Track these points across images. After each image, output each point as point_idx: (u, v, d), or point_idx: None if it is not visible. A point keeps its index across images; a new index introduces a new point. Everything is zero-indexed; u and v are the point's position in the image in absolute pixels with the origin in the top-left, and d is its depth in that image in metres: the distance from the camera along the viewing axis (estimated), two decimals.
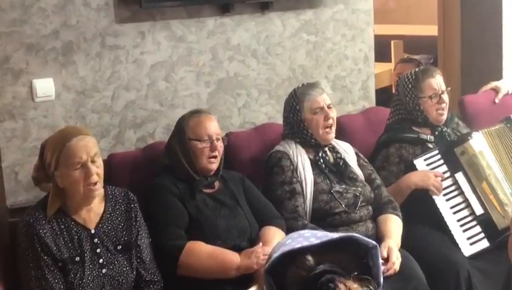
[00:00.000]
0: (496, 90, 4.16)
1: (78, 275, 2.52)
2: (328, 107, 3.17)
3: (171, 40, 3.34)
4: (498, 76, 4.38)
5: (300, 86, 3.25)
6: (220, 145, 2.94)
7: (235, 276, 2.72)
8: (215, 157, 2.92)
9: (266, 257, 2.55)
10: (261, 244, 2.79)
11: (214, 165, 2.93)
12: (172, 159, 2.92)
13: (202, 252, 2.73)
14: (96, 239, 2.59)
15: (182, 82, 3.40)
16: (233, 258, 2.74)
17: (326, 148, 3.21)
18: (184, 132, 2.93)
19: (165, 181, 2.88)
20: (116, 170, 3.06)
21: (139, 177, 3.04)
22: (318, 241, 1.29)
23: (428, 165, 3.33)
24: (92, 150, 2.55)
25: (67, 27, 3.09)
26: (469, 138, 3.40)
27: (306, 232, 1.34)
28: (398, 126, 3.48)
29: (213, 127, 2.95)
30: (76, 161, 2.51)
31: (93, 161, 2.54)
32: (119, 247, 2.63)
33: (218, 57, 3.48)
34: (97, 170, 2.55)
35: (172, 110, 3.36)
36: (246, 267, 2.72)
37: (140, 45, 3.27)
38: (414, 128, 3.45)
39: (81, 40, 3.12)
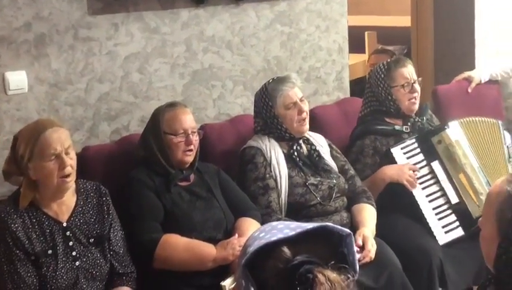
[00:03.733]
0: (468, 80, 4.20)
1: (51, 268, 2.52)
2: (301, 100, 3.17)
3: (145, 32, 3.32)
4: (471, 66, 4.42)
5: (271, 80, 3.23)
6: (195, 139, 2.93)
7: (211, 268, 2.72)
8: (190, 150, 2.91)
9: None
10: (236, 235, 2.79)
11: (190, 158, 2.93)
12: (147, 152, 2.91)
13: (178, 245, 2.73)
14: (68, 232, 2.59)
15: (156, 74, 3.38)
16: (209, 250, 2.74)
17: (301, 141, 3.21)
18: (159, 125, 2.91)
19: (140, 175, 2.86)
20: (91, 163, 3.04)
21: (114, 170, 3.02)
22: (293, 232, 1.30)
23: (405, 153, 3.36)
24: (66, 142, 2.55)
25: (39, 19, 3.05)
26: (446, 127, 3.44)
27: (279, 224, 1.34)
28: (370, 118, 3.50)
29: (188, 120, 2.94)
30: (51, 152, 2.50)
31: (67, 153, 2.54)
32: (92, 240, 2.63)
33: (192, 48, 3.46)
34: (71, 162, 2.55)
35: (146, 102, 3.35)
36: (222, 259, 2.72)
37: (114, 36, 3.24)
38: (387, 119, 3.47)
39: (54, 32, 3.09)
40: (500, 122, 3.59)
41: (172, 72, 3.42)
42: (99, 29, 3.20)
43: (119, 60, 3.27)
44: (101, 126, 3.26)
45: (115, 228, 2.70)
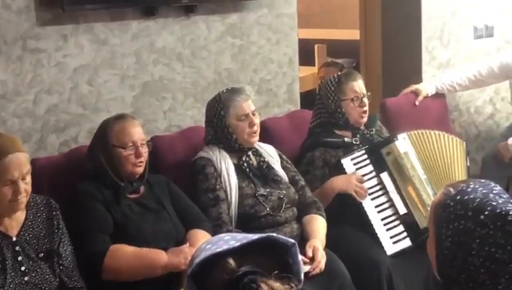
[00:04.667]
0: (416, 93, 4.28)
1: (0, 282, 2.47)
2: (253, 114, 3.19)
3: (94, 43, 3.30)
4: (418, 79, 4.50)
5: (225, 90, 3.24)
6: (144, 151, 2.92)
7: (161, 274, 2.71)
8: (140, 162, 2.90)
9: None
10: (188, 244, 2.79)
11: (140, 170, 2.91)
12: (96, 165, 2.88)
13: (127, 253, 2.71)
14: (17, 247, 2.55)
15: (106, 85, 3.36)
16: (159, 256, 2.72)
17: (250, 153, 3.23)
18: (107, 138, 2.88)
19: (88, 187, 2.83)
20: (39, 175, 2.98)
21: (62, 182, 2.99)
22: (238, 243, 1.31)
23: (355, 164, 3.40)
24: (24, 168, 2.52)
25: None
26: (395, 139, 3.49)
27: (226, 236, 1.36)
28: (320, 130, 3.54)
29: (137, 133, 2.92)
30: (8, 178, 2.47)
31: (23, 178, 2.51)
32: (41, 255, 2.59)
33: (142, 60, 3.46)
34: (26, 187, 2.52)
35: (96, 114, 3.32)
36: (173, 266, 2.71)
37: (63, 48, 3.22)
38: (336, 131, 3.52)
39: (2, 43, 3.05)
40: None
41: (122, 83, 3.41)
42: (48, 41, 3.17)
43: (68, 71, 3.24)
44: (49, 138, 3.22)
45: (65, 243, 2.66)
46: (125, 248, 2.72)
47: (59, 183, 3.00)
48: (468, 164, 3.64)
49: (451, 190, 1.65)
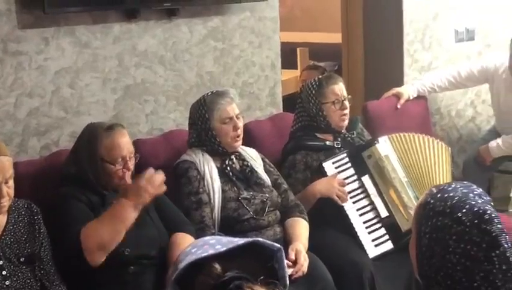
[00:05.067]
0: (397, 96, 4.30)
1: None
2: (237, 117, 3.19)
3: (76, 46, 3.29)
4: (400, 82, 4.52)
5: (210, 93, 3.23)
6: (132, 164, 2.89)
7: (135, 217, 2.69)
8: (127, 175, 2.88)
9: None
10: (150, 171, 2.76)
11: (125, 181, 2.88)
12: (80, 171, 2.84)
13: (96, 224, 2.66)
14: None
15: (88, 89, 3.35)
16: (122, 205, 2.69)
17: (233, 156, 3.23)
18: (95, 150, 2.81)
19: (72, 190, 2.80)
20: (20, 179, 2.96)
21: (44, 186, 2.97)
22: (224, 248, 1.30)
23: (336, 168, 3.41)
24: (8, 172, 2.51)
25: None
26: (376, 142, 3.50)
27: (211, 239, 1.35)
28: (301, 133, 3.54)
29: (126, 145, 2.86)
30: None
31: (6, 182, 2.50)
32: (22, 259, 2.57)
33: (124, 63, 3.45)
34: (8, 191, 2.51)
35: (77, 118, 3.31)
36: (140, 201, 2.70)
37: (44, 51, 3.20)
38: (317, 135, 3.53)
39: None
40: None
41: (104, 87, 3.39)
42: (29, 44, 3.15)
43: (50, 74, 3.22)
44: (30, 141, 3.20)
45: (46, 247, 2.65)
46: (92, 222, 2.68)
47: (40, 186, 2.98)
48: (452, 168, 3.65)
49: (434, 189, 1.68)
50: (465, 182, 1.69)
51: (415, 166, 3.51)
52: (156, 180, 2.75)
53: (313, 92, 3.52)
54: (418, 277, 1.67)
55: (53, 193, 2.84)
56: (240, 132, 3.19)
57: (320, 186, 3.35)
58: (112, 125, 2.91)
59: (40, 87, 3.21)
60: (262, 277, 1.28)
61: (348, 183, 3.39)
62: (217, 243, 1.32)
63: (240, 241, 1.32)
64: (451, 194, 1.63)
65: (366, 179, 3.42)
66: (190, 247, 1.36)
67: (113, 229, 2.66)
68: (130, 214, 2.68)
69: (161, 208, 2.99)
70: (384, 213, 3.37)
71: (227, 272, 1.27)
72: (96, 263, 2.64)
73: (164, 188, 2.80)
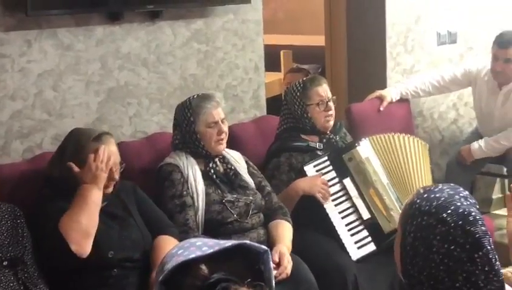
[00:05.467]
0: (380, 99, 4.32)
1: None
2: (222, 121, 3.19)
3: (59, 49, 3.27)
4: (382, 85, 4.54)
5: (196, 96, 3.23)
6: (117, 173, 2.88)
7: (101, 196, 2.74)
8: (112, 183, 2.87)
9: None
10: (102, 148, 2.80)
11: (110, 189, 2.87)
12: (64, 176, 2.82)
13: (69, 213, 2.67)
14: None
15: (71, 91, 3.33)
16: (86, 189, 2.72)
17: (217, 159, 3.23)
18: (82, 160, 2.79)
19: (54, 193, 2.79)
20: (3, 182, 2.96)
21: (27, 189, 2.95)
22: (211, 250, 1.31)
23: (318, 171, 3.41)
24: None
25: None
26: (356, 144, 3.51)
27: (197, 241, 1.35)
28: (287, 135, 3.55)
29: (114, 154, 2.86)
30: None
31: None
32: (5, 263, 2.57)
33: (107, 65, 3.44)
34: None
35: (60, 120, 3.29)
36: (100, 178, 2.75)
37: (27, 53, 3.18)
38: (303, 136, 3.54)
39: None
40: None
41: (87, 89, 3.38)
42: (12, 46, 3.13)
43: (32, 77, 3.21)
44: (13, 144, 3.18)
45: (29, 251, 2.64)
46: (65, 214, 2.68)
47: (23, 190, 2.96)
48: (431, 165, 3.67)
49: (421, 190, 1.70)
50: (451, 184, 1.71)
51: (396, 167, 3.53)
52: (102, 156, 2.78)
53: (298, 94, 3.53)
54: (401, 276, 1.68)
55: (36, 194, 2.83)
56: (224, 135, 3.19)
57: (303, 184, 3.36)
58: (99, 135, 2.89)
59: (23, 89, 3.19)
60: (249, 279, 1.28)
61: (330, 187, 3.40)
62: (203, 245, 1.32)
63: (226, 243, 1.32)
64: (437, 195, 1.65)
65: (347, 182, 3.43)
66: (176, 248, 1.35)
67: (88, 214, 2.69)
68: (97, 195, 2.74)
69: (144, 210, 2.99)
70: (366, 215, 3.38)
71: (214, 274, 1.27)
72: (84, 252, 2.64)
73: (112, 159, 2.83)
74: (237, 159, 3.31)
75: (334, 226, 3.33)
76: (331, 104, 3.54)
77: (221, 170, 3.23)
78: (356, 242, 3.32)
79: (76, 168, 2.78)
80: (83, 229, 2.65)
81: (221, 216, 3.09)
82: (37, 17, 3.17)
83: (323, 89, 3.54)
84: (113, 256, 2.75)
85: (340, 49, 4.91)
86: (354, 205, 3.39)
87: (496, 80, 4.28)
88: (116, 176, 2.87)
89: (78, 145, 2.84)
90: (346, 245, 3.29)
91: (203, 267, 1.29)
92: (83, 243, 2.64)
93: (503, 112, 4.30)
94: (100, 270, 2.74)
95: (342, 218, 3.36)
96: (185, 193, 3.08)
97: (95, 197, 2.72)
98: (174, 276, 1.30)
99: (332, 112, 3.55)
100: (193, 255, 1.30)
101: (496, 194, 5.16)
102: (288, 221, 3.23)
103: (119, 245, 2.79)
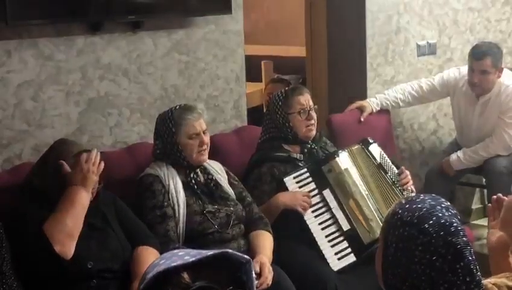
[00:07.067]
0: (361, 110, 4.33)
1: None
2: (204, 133, 3.19)
3: (39, 59, 3.26)
4: (363, 96, 4.56)
5: (178, 107, 3.22)
6: (95, 189, 2.86)
7: (89, 199, 2.74)
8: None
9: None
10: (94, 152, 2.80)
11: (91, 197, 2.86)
12: (43, 186, 2.80)
13: (57, 214, 2.67)
14: None
15: (51, 101, 3.32)
16: (73, 191, 2.72)
17: (198, 170, 3.22)
18: (64, 174, 2.78)
19: (33, 206, 2.77)
20: None
21: (5, 199, 2.93)
22: (192, 258, 1.30)
23: (297, 182, 3.42)
24: None
25: None
26: (335, 156, 3.52)
27: (179, 251, 1.35)
28: (268, 144, 3.56)
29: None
30: None
31: None
32: None
33: (88, 76, 3.42)
34: None
35: (40, 131, 3.28)
36: (89, 181, 2.75)
37: (6, 63, 3.17)
38: (284, 146, 3.54)
39: None
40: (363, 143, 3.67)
41: (67, 99, 3.37)
42: None
43: (12, 87, 3.19)
44: None
45: (8, 261, 2.61)
46: (52, 215, 2.68)
47: (2, 200, 2.94)
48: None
49: (403, 200, 1.71)
50: (433, 195, 1.72)
51: (372, 177, 3.54)
52: (94, 159, 2.78)
53: (280, 103, 3.54)
54: (383, 286, 1.69)
55: (15, 205, 2.80)
56: (206, 147, 3.19)
57: (284, 199, 3.36)
58: (82, 151, 2.86)
59: (2, 100, 3.17)
60: (231, 287, 1.28)
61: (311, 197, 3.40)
62: (185, 255, 1.32)
63: (208, 252, 1.32)
64: (419, 206, 1.65)
65: (327, 193, 3.43)
66: (159, 259, 1.35)
67: (74, 216, 2.68)
68: (85, 198, 2.73)
69: (124, 221, 2.97)
70: (346, 226, 3.38)
71: (196, 281, 1.27)
72: (68, 253, 2.64)
73: (103, 164, 2.83)
74: (218, 170, 3.31)
75: (314, 238, 3.33)
76: (313, 113, 3.55)
77: (202, 180, 3.22)
78: (336, 253, 3.32)
79: (67, 168, 2.77)
80: (67, 230, 2.65)
81: (202, 227, 3.08)
82: (17, 27, 3.16)
83: (305, 98, 3.55)
84: (92, 267, 2.73)
85: (320, 60, 4.93)
86: (333, 216, 3.39)
87: (473, 92, 4.31)
88: (94, 192, 2.85)
89: (60, 156, 2.83)
90: (326, 256, 3.29)
91: (185, 275, 1.29)
92: (67, 244, 2.64)
93: (481, 123, 4.33)
94: (79, 281, 2.72)
95: (322, 229, 3.36)
96: (165, 203, 3.07)
97: (82, 200, 2.72)
98: (156, 284, 1.29)
99: (314, 121, 3.55)
100: (175, 264, 1.29)
101: (476, 205, 5.19)
102: (269, 231, 3.23)
103: (98, 256, 2.77)
